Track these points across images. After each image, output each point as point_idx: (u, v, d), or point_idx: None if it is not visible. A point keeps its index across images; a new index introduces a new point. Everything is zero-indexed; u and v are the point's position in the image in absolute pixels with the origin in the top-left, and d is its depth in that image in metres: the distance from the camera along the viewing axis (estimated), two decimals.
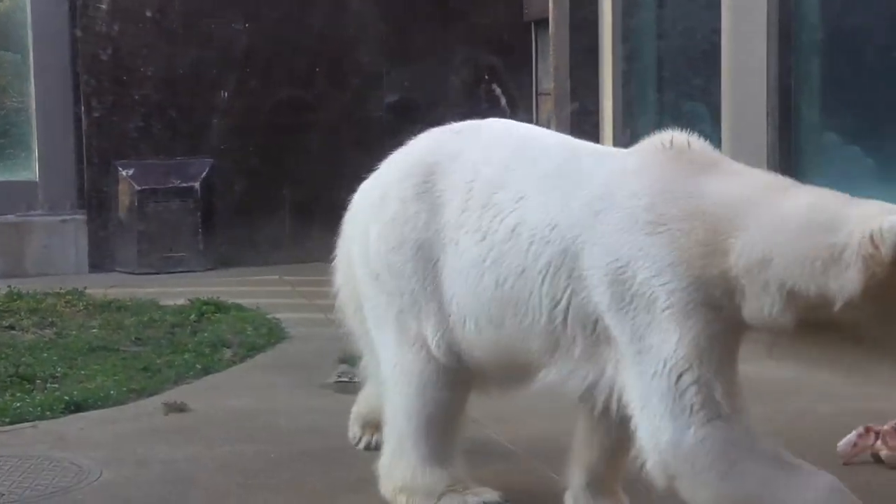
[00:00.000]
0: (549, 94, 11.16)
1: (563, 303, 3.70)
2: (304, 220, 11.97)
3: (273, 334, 8.06)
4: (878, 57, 7.09)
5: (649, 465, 3.50)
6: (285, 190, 12.18)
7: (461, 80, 12.53)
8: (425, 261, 4.07)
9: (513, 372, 4.02)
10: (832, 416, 5.31)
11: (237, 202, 12.16)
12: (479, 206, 3.96)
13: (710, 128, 8.48)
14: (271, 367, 7.21)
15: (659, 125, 9.61)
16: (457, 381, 4.15)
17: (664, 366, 3.42)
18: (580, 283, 3.65)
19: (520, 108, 12.53)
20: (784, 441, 4.83)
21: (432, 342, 4.09)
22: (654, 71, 9.81)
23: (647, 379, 3.45)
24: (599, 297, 3.58)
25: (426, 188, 4.10)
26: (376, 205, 4.26)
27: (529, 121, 12.51)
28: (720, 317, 3.45)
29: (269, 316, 8.66)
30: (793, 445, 4.79)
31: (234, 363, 7.30)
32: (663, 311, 3.44)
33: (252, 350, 7.57)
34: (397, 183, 4.18)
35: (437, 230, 4.05)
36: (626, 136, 9.79)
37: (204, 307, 8.79)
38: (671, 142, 3.73)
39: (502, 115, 12.44)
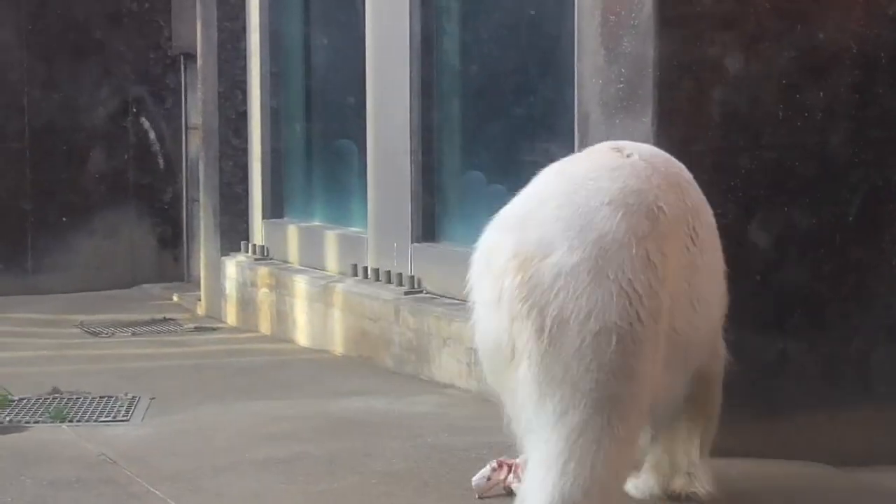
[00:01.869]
0: (197, 128, 11.03)
1: None
2: None
3: None
4: (513, 101, 7.37)
5: None
6: None
7: (108, 112, 12.20)
8: None
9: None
10: (465, 450, 5.24)
11: None
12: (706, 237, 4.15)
13: (358, 163, 8.58)
14: None
15: (308, 160, 9.69)
16: None
17: None
18: None
19: (168, 141, 12.31)
20: (419, 476, 4.91)
21: None
22: (302, 107, 9.85)
23: None
24: None
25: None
26: None
27: (179, 155, 12.32)
28: None
29: None
30: (427, 481, 4.88)
31: None
32: None
33: None
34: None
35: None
36: (279, 169, 9.78)
37: None
38: None
39: (149, 147, 12.22)
